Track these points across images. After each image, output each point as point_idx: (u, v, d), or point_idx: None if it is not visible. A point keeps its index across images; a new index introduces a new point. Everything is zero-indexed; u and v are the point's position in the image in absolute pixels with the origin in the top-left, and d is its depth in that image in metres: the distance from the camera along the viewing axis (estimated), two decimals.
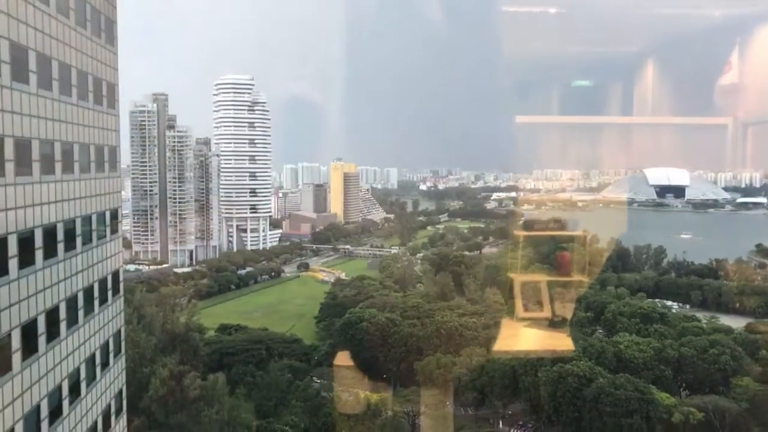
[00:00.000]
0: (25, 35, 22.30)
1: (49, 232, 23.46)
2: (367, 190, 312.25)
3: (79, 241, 26.04)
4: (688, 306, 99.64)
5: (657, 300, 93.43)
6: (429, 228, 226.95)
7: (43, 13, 23.67)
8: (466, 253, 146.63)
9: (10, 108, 20.94)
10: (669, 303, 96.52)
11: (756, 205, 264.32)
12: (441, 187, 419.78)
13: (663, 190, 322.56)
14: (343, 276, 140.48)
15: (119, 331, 31.15)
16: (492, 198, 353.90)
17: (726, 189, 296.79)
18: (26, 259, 21.46)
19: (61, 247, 24.25)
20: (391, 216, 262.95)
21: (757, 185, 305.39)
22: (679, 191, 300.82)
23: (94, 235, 28.20)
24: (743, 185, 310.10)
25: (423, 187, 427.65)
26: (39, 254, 22.49)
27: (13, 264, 20.55)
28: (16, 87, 21.29)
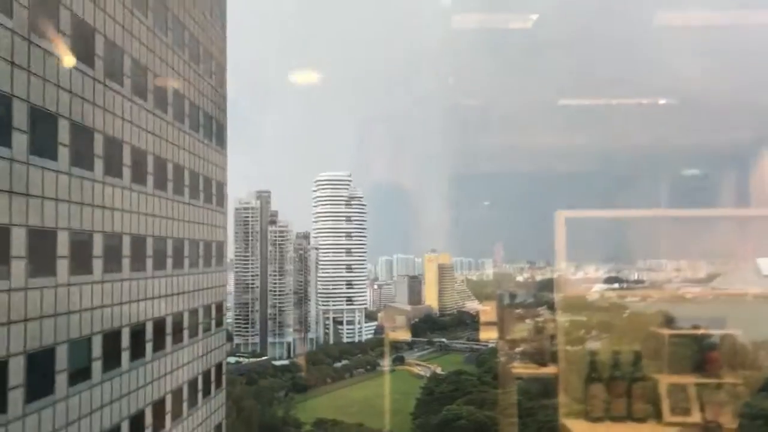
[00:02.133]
0: (144, 140, 24.08)
1: (159, 325, 24.45)
2: (462, 281, 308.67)
3: (186, 333, 26.98)
4: None
5: None
6: (527, 321, 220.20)
7: (162, 120, 25.56)
8: (568, 347, 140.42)
9: (129, 207, 22.43)
10: None
11: None
12: (538, 278, 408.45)
13: None
14: (439, 370, 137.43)
15: (221, 425, 31.49)
16: (593, 290, 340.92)
17: None
18: (137, 351, 22.39)
19: (169, 339, 25.17)
20: (487, 308, 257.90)
21: None
22: None
23: (200, 327, 29.13)
24: None
25: (519, 278, 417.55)
26: (149, 347, 23.42)
27: (125, 357, 21.47)
28: (135, 188, 22.85)
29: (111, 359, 20.95)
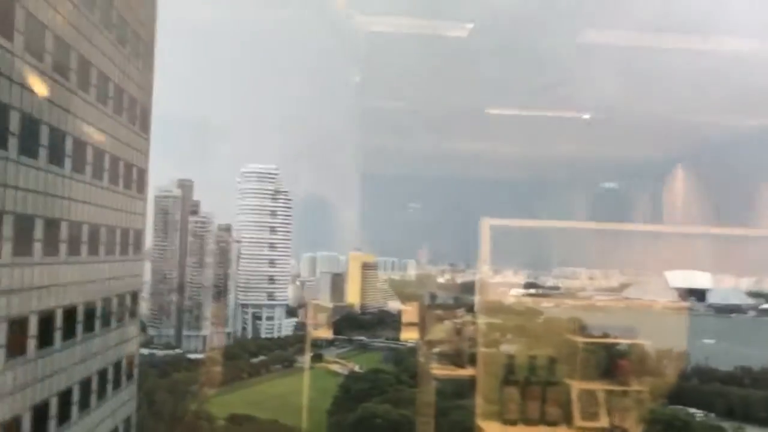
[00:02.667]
0: (65, 121, 23.23)
1: (70, 314, 23.60)
2: (385, 281, 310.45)
3: (98, 323, 26.14)
4: (713, 414, 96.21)
5: (679, 407, 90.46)
6: (446, 322, 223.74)
7: (84, 101, 24.69)
8: (483, 349, 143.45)
9: (44, 189, 21.58)
10: (692, 410, 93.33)
11: None
12: (459, 280, 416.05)
13: (685, 293, 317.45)
14: (357, 368, 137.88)
15: (129, 418, 30.74)
16: (511, 294, 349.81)
17: (749, 294, 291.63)
18: (45, 339, 21.54)
19: (80, 328, 24.34)
20: (409, 308, 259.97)
21: None
22: (700, 294, 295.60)
23: (113, 317, 28.29)
24: (767, 291, 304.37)
25: (441, 279, 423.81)
26: (58, 335, 22.58)
27: (31, 345, 20.63)
28: (51, 170, 21.99)
29: (16, 347, 20.08)
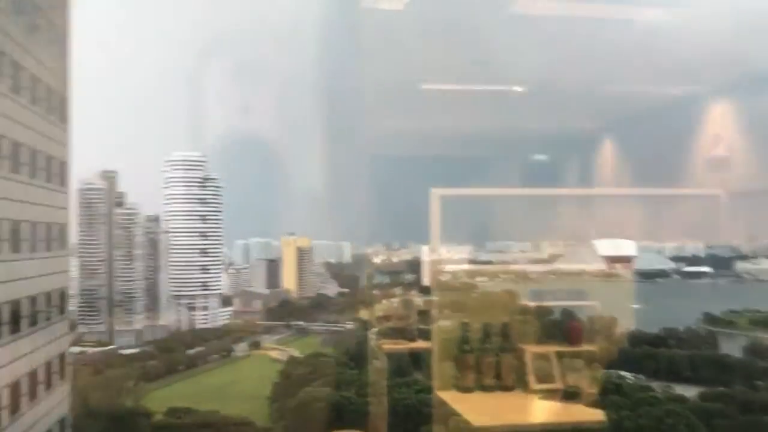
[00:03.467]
0: None
1: None
2: (321, 264, 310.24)
3: (24, 322, 25.11)
4: (642, 376, 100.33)
5: (611, 371, 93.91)
6: (384, 302, 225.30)
7: None
8: (422, 326, 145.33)
9: None
10: (623, 373, 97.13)
11: (701, 274, 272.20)
12: (395, 260, 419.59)
13: (612, 261, 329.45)
14: (296, 354, 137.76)
15: (63, 420, 29.77)
16: (445, 270, 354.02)
17: (672, 259, 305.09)
18: None
19: (5, 329, 23.33)
20: (346, 290, 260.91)
21: (702, 255, 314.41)
22: (627, 261, 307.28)
23: (40, 316, 27.22)
24: (689, 255, 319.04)
25: (377, 260, 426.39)
26: None
27: None
28: None
29: None
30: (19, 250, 25.23)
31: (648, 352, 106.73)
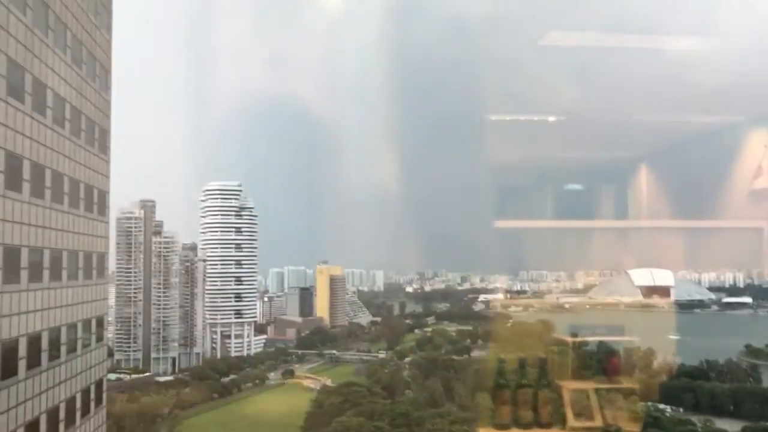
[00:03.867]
0: (21, 145, 22.71)
1: (34, 341, 23.04)
2: (354, 293, 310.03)
3: (63, 349, 25.55)
4: (681, 409, 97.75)
5: (649, 403, 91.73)
6: (416, 331, 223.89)
7: (40, 123, 24.21)
8: (455, 357, 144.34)
9: (2, 216, 21.06)
10: (662, 406, 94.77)
11: (741, 305, 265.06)
12: (428, 289, 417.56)
13: (649, 291, 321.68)
14: (329, 383, 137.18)
15: None
16: (479, 300, 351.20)
17: (710, 289, 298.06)
18: (8, 369, 20.97)
19: (45, 356, 23.76)
20: (378, 319, 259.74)
21: (741, 285, 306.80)
22: (664, 291, 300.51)
23: (79, 343, 27.69)
24: (727, 285, 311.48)
25: (409, 289, 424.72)
26: (22, 364, 21.99)
27: None
28: (9, 195, 21.47)
29: None
30: (60, 278, 25.81)
31: (688, 385, 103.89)
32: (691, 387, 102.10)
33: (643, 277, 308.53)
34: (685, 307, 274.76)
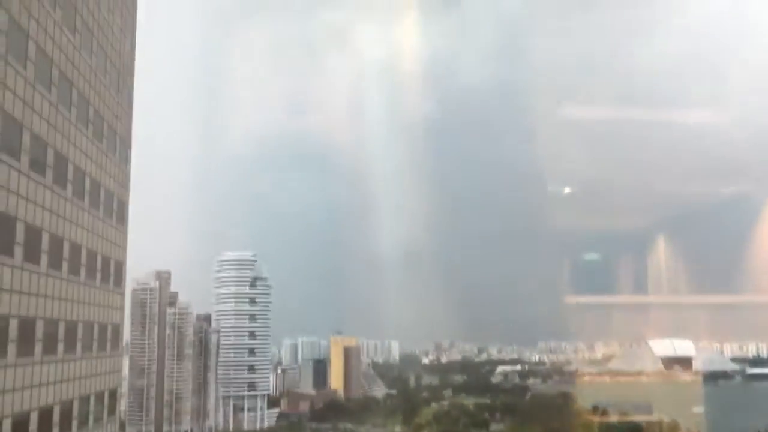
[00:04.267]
0: (40, 218, 23.05)
1: (45, 415, 22.78)
2: (369, 364, 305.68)
3: (74, 424, 25.24)
4: None
5: None
6: (433, 404, 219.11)
7: (60, 196, 24.63)
8: (473, 431, 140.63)
9: (19, 288, 21.19)
10: None
11: (766, 376, 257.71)
12: (444, 360, 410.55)
13: (670, 361, 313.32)
14: None
15: None
16: (497, 371, 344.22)
17: (733, 360, 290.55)
18: None
19: (56, 431, 23.46)
20: (394, 392, 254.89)
21: (765, 356, 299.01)
22: (685, 362, 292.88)
23: (91, 417, 27.35)
24: (750, 356, 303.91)
25: (425, 360, 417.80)
26: None
27: None
28: (27, 267, 21.66)
29: None
30: (74, 351, 25.74)
31: None
32: None
33: (664, 347, 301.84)
34: (708, 378, 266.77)
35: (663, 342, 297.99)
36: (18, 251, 21.23)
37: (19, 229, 21.40)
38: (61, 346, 24.37)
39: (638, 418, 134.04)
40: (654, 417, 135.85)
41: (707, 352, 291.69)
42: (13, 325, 20.76)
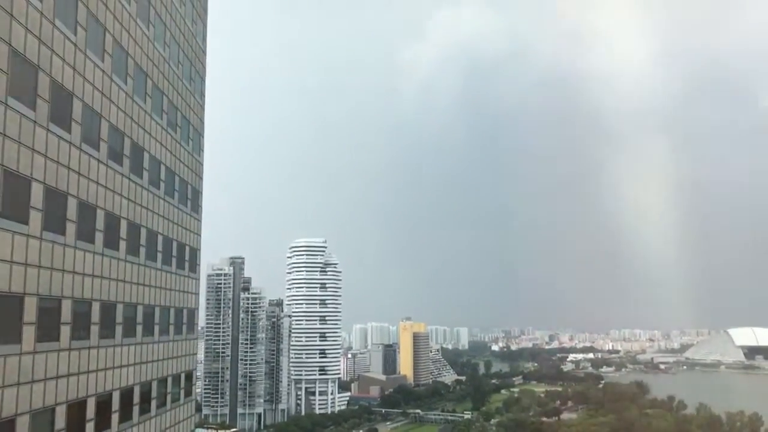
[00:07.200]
0: (119, 205, 23.84)
1: (126, 395, 23.67)
2: (437, 350, 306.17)
3: (154, 404, 26.13)
4: None
5: None
6: (503, 391, 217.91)
7: (137, 184, 25.43)
8: (544, 419, 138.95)
9: (100, 273, 22.01)
10: None
11: None
12: (514, 347, 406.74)
13: (751, 351, 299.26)
14: None
15: None
16: (568, 359, 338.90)
17: None
18: (101, 423, 21.55)
19: (136, 410, 24.35)
20: (463, 378, 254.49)
21: None
22: None
23: (169, 397, 28.26)
24: None
25: (495, 347, 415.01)
26: (115, 417, 22.59)
27: (89, 428, 20.64)
28: (107, 253, 22.48)
29: (74, 431, 20.13)
30: (152, 334, 26.64)
31: None
32: None
33: (745, 336, 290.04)
34: None
35: (744, 330, 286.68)
36: (99, 238, 22.06)
37: (99, 216, 22.24)
38: (139, 329, 25.27)
39: (716, 409, 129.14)
40: (734, 409, 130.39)
41: None
42: (95, 308, 21.63)
